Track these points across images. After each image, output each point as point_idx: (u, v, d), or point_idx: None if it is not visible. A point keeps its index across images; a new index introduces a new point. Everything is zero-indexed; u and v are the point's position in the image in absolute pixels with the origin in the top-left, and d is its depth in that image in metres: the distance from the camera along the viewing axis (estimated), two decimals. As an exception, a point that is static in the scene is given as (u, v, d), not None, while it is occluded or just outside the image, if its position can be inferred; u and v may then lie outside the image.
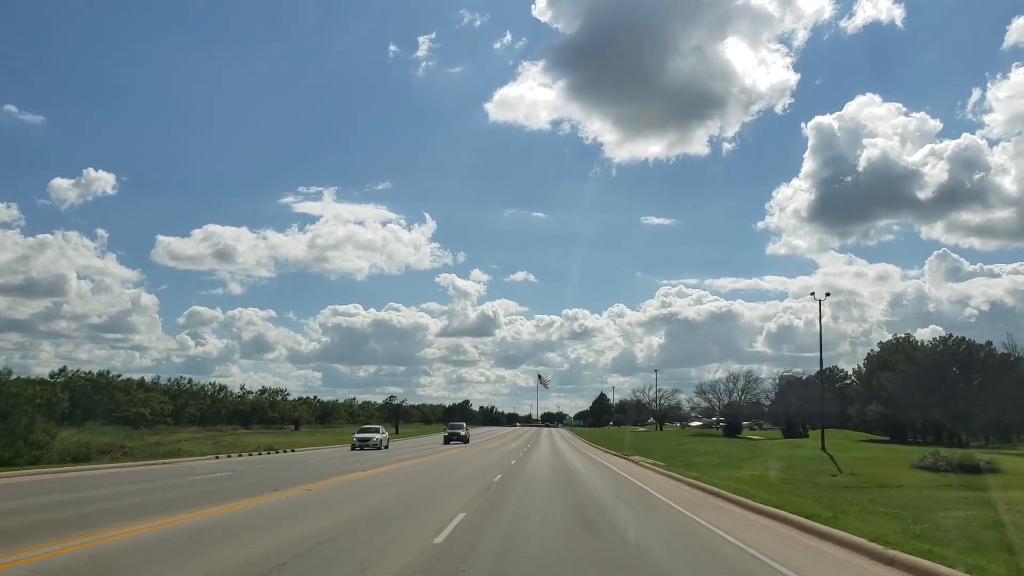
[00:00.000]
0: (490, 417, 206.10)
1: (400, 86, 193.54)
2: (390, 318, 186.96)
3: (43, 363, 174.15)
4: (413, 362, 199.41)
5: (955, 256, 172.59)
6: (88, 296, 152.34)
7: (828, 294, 51.37)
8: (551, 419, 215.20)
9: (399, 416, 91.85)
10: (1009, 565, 10.17)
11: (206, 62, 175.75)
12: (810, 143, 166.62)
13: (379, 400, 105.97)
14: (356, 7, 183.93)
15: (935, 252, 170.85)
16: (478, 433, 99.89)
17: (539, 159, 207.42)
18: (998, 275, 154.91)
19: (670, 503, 18.97)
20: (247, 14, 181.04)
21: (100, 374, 69.54)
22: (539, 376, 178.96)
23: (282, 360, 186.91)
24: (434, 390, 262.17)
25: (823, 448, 47.05)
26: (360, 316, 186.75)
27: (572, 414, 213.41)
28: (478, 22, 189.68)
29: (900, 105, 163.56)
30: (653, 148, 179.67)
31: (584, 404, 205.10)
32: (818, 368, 66.24)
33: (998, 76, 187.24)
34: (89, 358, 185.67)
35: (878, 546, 11.32)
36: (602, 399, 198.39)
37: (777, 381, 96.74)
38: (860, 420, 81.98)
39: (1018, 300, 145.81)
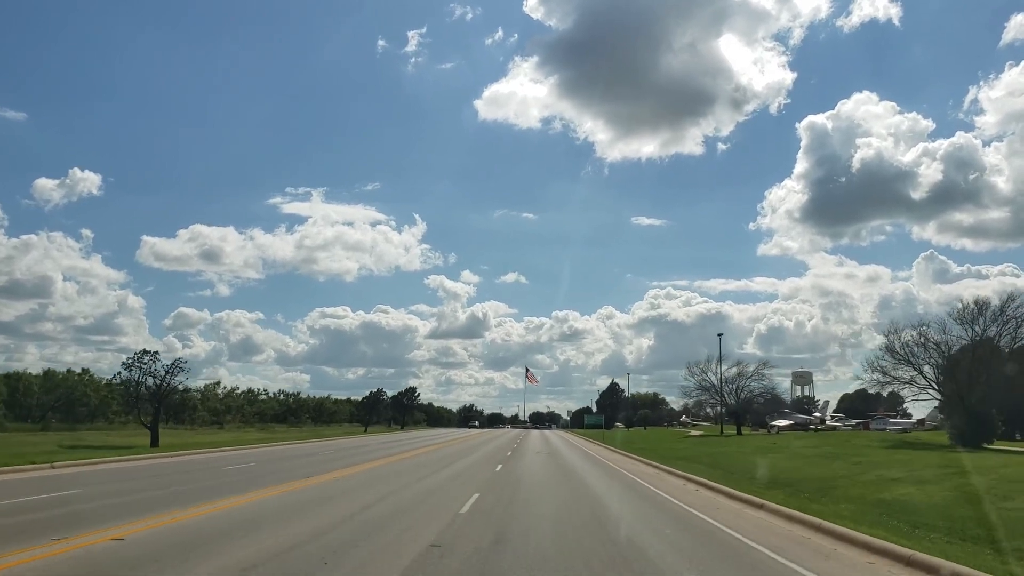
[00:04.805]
0: (467, 416, 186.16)
1: (389, 83, 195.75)
2: (379, 320, 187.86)
3: (29, 366, 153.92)
4: (402, 364, 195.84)
5: (943, 258, 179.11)
6: (74, 298, 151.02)
7: None
8: (541, 420, 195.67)
9: (158, 407, 36.62)
10: None
11: (193, 60, 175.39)
12: (803, 143, 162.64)
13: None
14: (344, 1, 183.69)
15: (923, 254, 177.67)
16: (380, 444, 46.46)
17: (530, 158, 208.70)
18: (986, 277, 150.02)
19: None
20: (234, 12, 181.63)
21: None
22: (526, 369, 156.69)
23: (270, 363, 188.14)
24: (423, 392, 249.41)
25: None
26: (348, 318, 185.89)
27: (564, 415, 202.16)
28: (470, 15, 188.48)
29: (895, 104, 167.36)
30: (646, 148, 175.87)
31: (573, 405, 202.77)
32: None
33: (991, 76, 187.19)
34: (75, 360, 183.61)
35: None
36: (612, 391, 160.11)
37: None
38: None
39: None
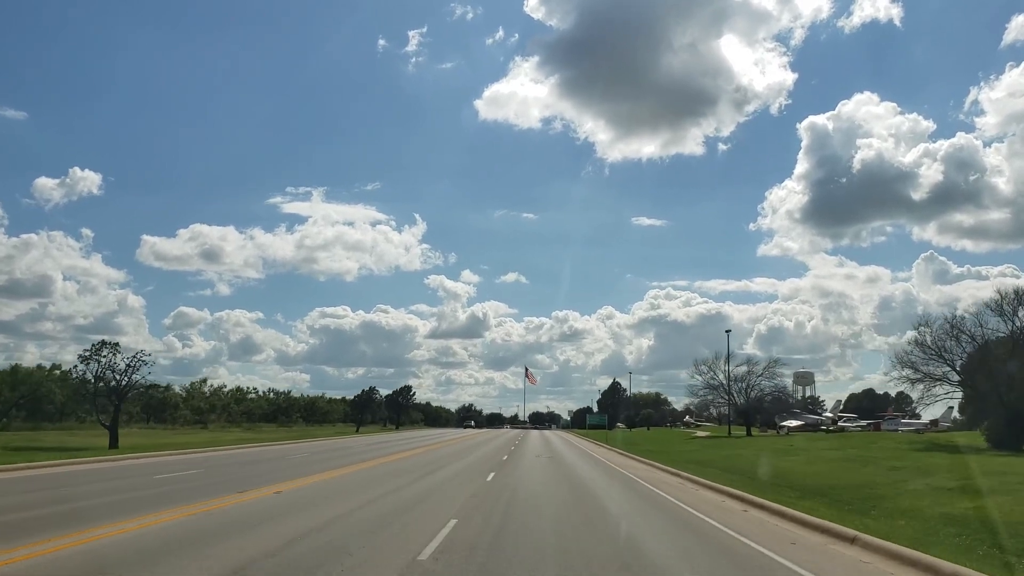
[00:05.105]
0: (465, 416, 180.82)
1: (390, 82, 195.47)
2: (379, 320, 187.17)
3: (28, 365, 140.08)
4: (402, 364, 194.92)
5: (943, 259, 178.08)
6: (74, 297, 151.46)
7: None
8: (541, 420, 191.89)
9: (118, 405, 32.95)
10: None
11: (193, 59, 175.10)
12: (804, 143, 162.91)
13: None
14: (344, 0, 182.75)
15: (922, 255, 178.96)
16: (365, 447, 44.00)
17: (530, 159, 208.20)
18: (986, 278, 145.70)
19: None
20: (234, 11, 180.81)
21: None
22: (526, 369, 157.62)
23: (270, 362, 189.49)
24: (423, 392, 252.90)
25: None
26: (348, 318, 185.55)
27: (564, 415, 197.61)
28: (470, 15, 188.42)
29: (895, 105, 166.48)
30: (647, 148, 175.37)
31: (573, 405, 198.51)
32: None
33: (992, 77, 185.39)
34: (75, 360, 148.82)
35: None
36: (614, 390, 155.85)
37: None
38: None
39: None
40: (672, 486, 20.40)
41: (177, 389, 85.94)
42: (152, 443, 40.48)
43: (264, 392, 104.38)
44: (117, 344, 35.66)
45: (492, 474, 22.62)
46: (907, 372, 40.46)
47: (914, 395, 41.51)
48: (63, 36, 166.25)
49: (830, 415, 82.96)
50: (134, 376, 35.09)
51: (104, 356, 34.60)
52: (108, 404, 35.56)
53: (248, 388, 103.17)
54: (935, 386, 40.73)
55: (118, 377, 34.82)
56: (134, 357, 35.23)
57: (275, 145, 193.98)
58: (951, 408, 67.78)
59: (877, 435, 59.99)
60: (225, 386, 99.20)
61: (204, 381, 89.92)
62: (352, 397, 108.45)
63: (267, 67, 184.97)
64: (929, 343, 40.73)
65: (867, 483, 21.46)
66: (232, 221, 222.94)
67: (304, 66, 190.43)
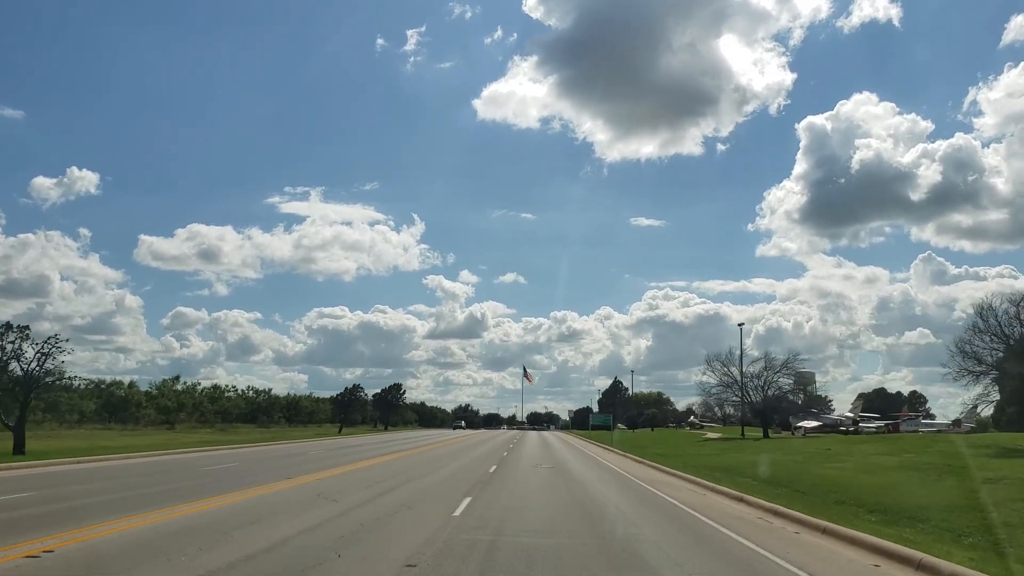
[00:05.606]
0: (460, 415, 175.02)
1: (388, 82, 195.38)
2: (377, 320, 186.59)
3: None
4: (400, 364, 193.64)
5: (940, 259, 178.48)
6: (71, 297, 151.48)
7: None
8: (539, 420, 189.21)
9: (25, 400, 28.28)
10: None
11: (191, 59, 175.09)
12: (802, 143, 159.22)
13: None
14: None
15: (920, 255, 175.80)
16: (325, 452, 38.53)
17: (529, 158, 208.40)
18: (984, 278, 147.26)
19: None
20: (233, 11, 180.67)
21: None
22: (524, 369, 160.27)
23: (268, 362, 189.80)
24: (421, 392, 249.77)
25: None
26: (346, 318, 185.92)
27: (563, 416, 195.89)
28: (469, 14, 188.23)
29: (894, 105, 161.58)
30: (645, 148, 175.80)
31: (572, 406, 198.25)
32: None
33: (990, 77, 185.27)
34: (72, 360, 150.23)
35: None
36: (615, 389, 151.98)
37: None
38: None
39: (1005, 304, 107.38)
40: (747, 522, 14.08)
41: (145, 387, 79.96)
42: (79, 446, 34.30)
43: (243, 391, 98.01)
44: (27, 328, 29.49)
45: (468, 499, 15.98)
46: (969, 364, 34.20)
47: (974, 392, 35.25)
48: (62, 35, 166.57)
49: (851, 415, 76.82)
50: (46, 365, 28.84)
51: (11, 342, 28.52)
52: (13, 400, 29.22)
53: (226, 386, 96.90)
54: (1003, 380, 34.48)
55: (24, 367, 28.65)
56: (45, 343, 28.99)
57: (273, 145, 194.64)
58: (975, 407, 61.94)
59: (911, 437, 53.97)
60: (199, 384, 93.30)
61: (176, 378, 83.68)
62: (335, 395, 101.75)
63: (265, 67, 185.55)
64: (993, 328, 34.59)
65: (968, 503, 15.53)
66: (230, 221, 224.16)
67: (302, 66, 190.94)
